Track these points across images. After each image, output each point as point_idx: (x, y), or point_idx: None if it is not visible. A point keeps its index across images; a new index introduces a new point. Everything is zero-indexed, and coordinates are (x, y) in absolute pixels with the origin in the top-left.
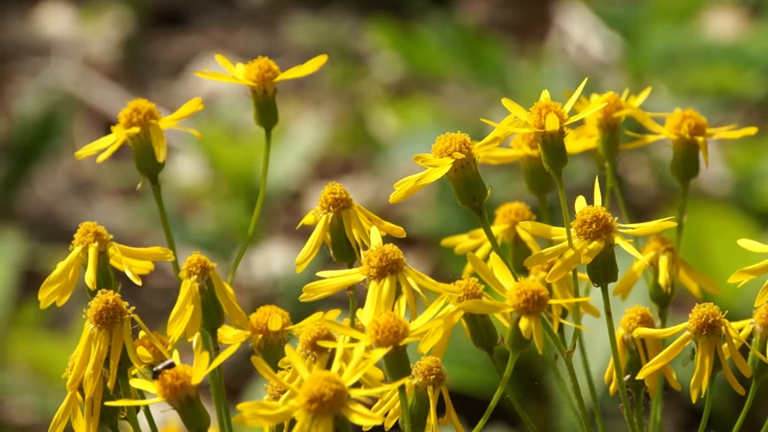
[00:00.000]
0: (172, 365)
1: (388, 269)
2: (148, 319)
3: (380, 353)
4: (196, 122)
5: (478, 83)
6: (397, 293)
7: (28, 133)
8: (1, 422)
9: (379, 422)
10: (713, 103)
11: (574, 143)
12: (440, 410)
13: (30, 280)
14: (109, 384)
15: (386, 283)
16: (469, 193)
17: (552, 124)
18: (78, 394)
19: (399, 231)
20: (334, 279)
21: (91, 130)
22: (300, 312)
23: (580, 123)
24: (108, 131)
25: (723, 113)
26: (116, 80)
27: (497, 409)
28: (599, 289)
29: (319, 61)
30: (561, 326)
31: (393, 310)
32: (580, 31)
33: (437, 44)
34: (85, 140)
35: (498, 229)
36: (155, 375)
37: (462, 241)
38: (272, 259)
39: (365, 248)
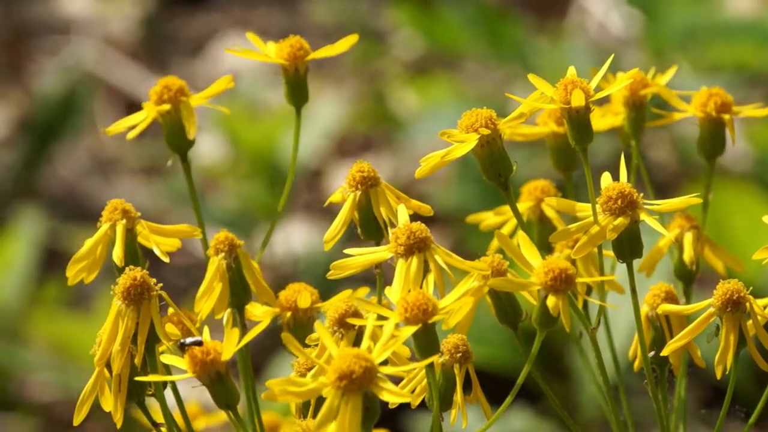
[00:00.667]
0: (200, 342)
1: (416, 247)
2: (171, 297)
3: (409, 331)
4: (216, 100)
5: (498, 60)
6: (425, 271)
7: (49, 112)
8: (22, 400)
9: (408, 400)
10: (734, 79)
11: (600, 121)
12: (466, 388)
13: (51, 258)
14: (137, 360)
15: (414, 260)
16: (494, 169)
17: (578, 100)
18: (105, 371)
19: (426, 209)
20: (362, 257)
21: (112, 108)
22: (321, 290)
23: (606, 100)
24: (129, 110)
25: (744, 90)
26: (136, 59)
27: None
28: (623, 266)
29: (350, 40)
30: (585, 302)
31: (421, 287)
32: (599, 8)
33: (457, 22)
34: (105, 119)
35: (523, 206)
36: (182, 349)
37: (487, 218)
38: (293, 237)
39: (393, 226)
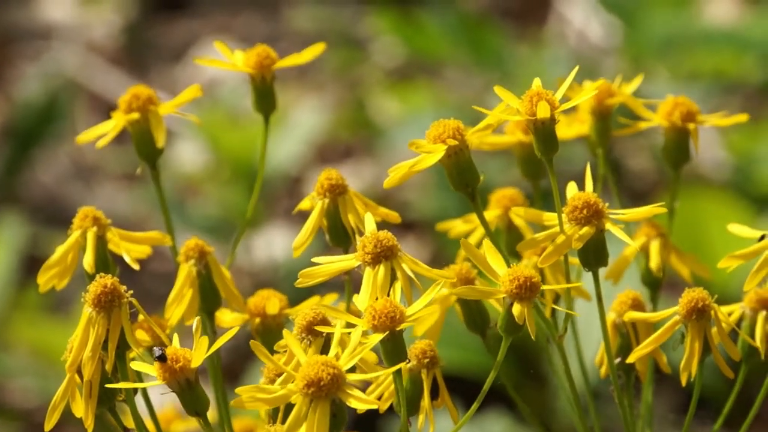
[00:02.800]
0: (162, 357)
1: (383, 255)
2: (148, 303)
3: (377, 338)
4: (197, 107)
5: (479, 68)
6: (392, 279)
7: (30, 118)
8: (3, 405)
9: (375, 406)
10: (712, 87)
11: (567, 129)
12: (434, 393)
13: (32, 264)
14: (108, 367)
15: (381, 269)
16: (462, 179)
17: (543, 112)
18: (77, 377)
19: (394, 216)
20: (330, 265)
21: (93, 114)
22: (301, 296)
23: (574, 109)
24: (110, 116)
25: (722, 98)
26: (118, 65)
27: (496, 391)
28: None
29: (318, 48)
30: (555, 310)
31: (388, 295)
32: (579, 16)
33: (438, 29)
34: (87, 125)
35: (491, 214)
36: (156, 358)
37: (456, 226)
38: (273, 244)
39: (361, 233)
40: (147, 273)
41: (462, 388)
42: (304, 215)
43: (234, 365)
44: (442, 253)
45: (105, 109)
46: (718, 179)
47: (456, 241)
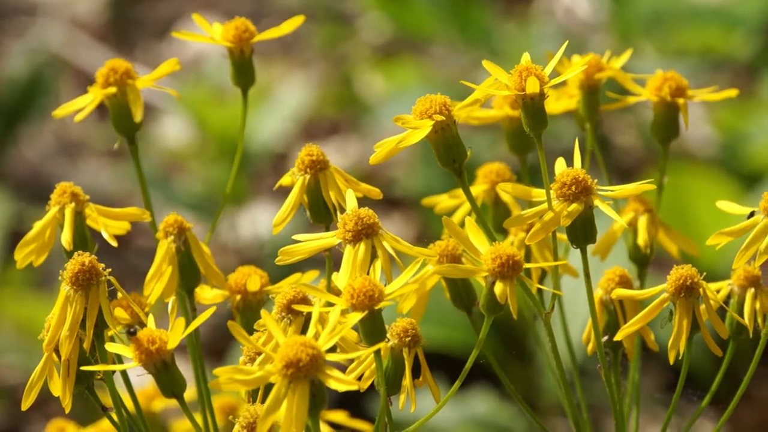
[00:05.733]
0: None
1: (364, 233)
2: (134, 279)
3: (356, 317)
4: (182, 83)
5: (466, 45)
6: (373, 257)
7: (15, 94)
8: None
9: (354, 387)
10: (700, 63)
11: (555, 104)
12: (416, 372)
13: (16, 240)
14: (85, 345)
15: (361, 247)
16: (449, 155)
17: (532, 87)
18: (54, 356)
19: (376, 193)
20: (310, 242)
21: (78, 90)
22: (286, 273)
23: (563, 84)
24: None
25: (710, 74)
26: (103, 41)
27: (482, 368)
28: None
29: (297, 20)
30: (541, 283)
31: (368, 273)
32: None
33: (425, 6)
34: (71, 101)
35: (478, 189)
36: (130, 337)
37: (441, 201)
38: (258, 221)
39: (342, 210)
40: (132, 249)
41: (448, 366)
42: (287, 192)
43: (218, 342)
44: (428, 230)
45: (90, 84)
46: (705, 156)
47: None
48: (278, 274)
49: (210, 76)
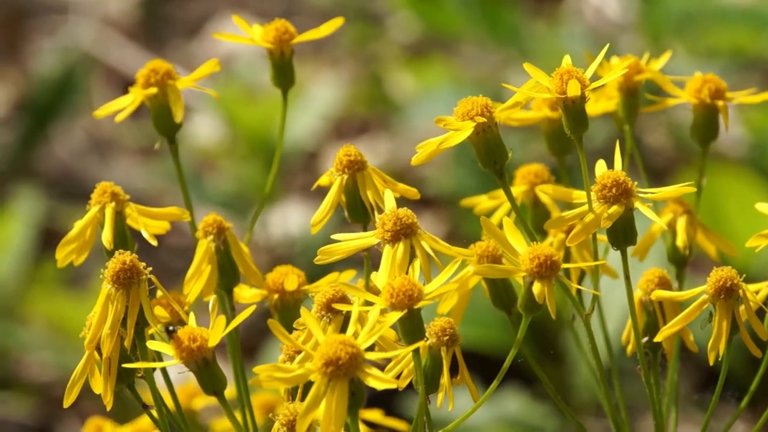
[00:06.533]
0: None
1: (402, 233)
2: (165, 277)
3: (395, 316)
4: (214, 82)
5: (495, 44)
6: (412, 256)
7: (46, 92)
8: (19, 379)
9: (393, 385)
10: (730, 64)
11: (594, 105)
12: (454, 370)
13: (48, 238)
14: (126, 343)
15: (400, 246)
16: (490, 157)
17: (574, 90)
18: (96, 354)
19: (413, 193)
20: (349, 242)
21: (109, 89)
22: (317, 272)
23: (602, 85)
24: (126, 90)
25: (739, 74)
26: (134, 39)
27: (514, 368)
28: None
29: (336, 23)
30: (580, 284)
31: (407, 273)
32: None
33: (454, 5)
34: (103, 99)
35: (517, 190)
36: (169, 333)
37: (481, 202)
38: (289, 219)
39: (380, 210)
40: (164, 247)
41: (480, 365)
42: (319, 191)
43: (251, 341)
44: (458, 230)
45: (121, 83)
46: (735, 156)
47: (472, 218)
48: (309, 273)
49: (241, 75)
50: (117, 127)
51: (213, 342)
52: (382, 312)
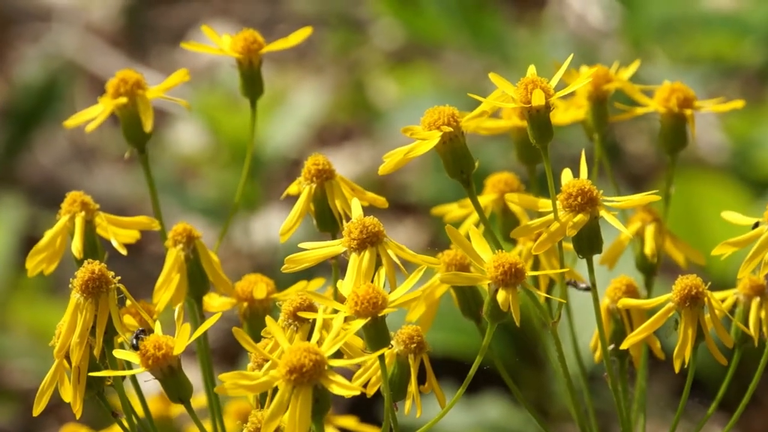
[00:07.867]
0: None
1: (368, 241)
2: (148, 285)
3: (359, 324)
4: (196, 89)
5: (478, 51)
6: (378, 264)
7: (29, 100)
8: (1, 386)
9: (357, 392)
10: (711, 71)
11: (563, 114)
12: (422, 378)
13: (30, 245)
14: (96, 352)
15: (366, 254)
16: (457, 166)
17: (538, 100)
18: (65, 362)
19: (381, 201)
20: (316, 251)
21: (93, 96)
22: (297, 279)
23: (571, 95)
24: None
25: (721, 81)
26: (118, 47)
27: (495, 374)
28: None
29: (305, 32)
30: (549, 293)
31: (373, 281)
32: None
33: (437, 12)
34: (86, 107)
35: (487, 198)
36: (136, 344)
37: (451, 210)
38: (272, 226)
39: (348, 219)
40: (147, 255)
41: (462, 372)
42: (295, 200)
43: (231, 347)
44: (440, 236)
45: (104, 91)
46: (716, 163)
47: (455, 225)
48: (292, 279)
49: (223, 82)
50: (99, 134)
51: (178, 350)
52: (347, 319)
